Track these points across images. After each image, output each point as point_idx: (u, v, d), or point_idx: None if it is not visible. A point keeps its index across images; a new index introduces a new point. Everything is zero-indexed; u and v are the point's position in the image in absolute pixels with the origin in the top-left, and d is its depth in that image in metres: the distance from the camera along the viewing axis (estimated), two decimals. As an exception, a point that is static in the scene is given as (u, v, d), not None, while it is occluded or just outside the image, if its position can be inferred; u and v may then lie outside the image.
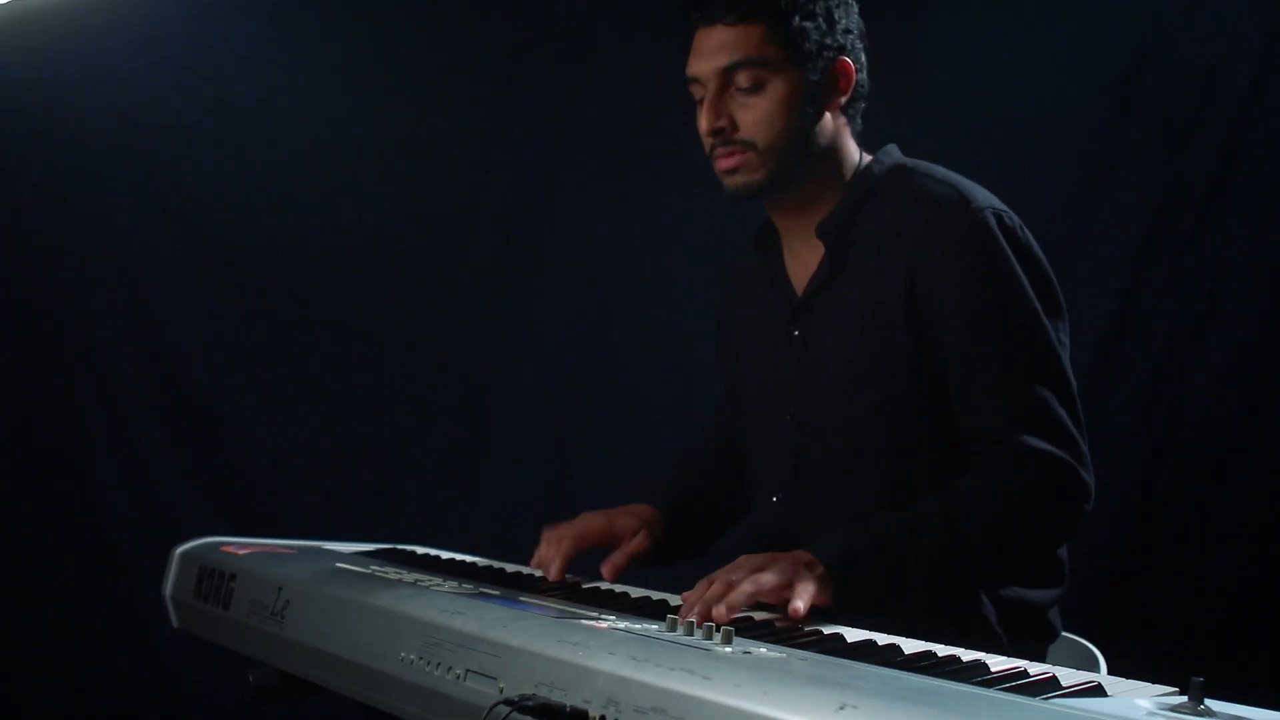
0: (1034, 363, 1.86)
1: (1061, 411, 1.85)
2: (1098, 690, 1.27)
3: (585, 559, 2.05)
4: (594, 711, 1.31)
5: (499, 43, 3.81)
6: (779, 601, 1.67)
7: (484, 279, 3.81)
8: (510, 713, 1.37)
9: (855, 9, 2.02)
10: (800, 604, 1.64)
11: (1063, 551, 1.99)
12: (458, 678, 1.51)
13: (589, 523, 2.08)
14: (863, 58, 2.03)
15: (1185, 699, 1.19)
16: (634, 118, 3.61)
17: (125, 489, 3.87)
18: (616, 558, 2.04)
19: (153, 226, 3.88)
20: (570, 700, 1.33)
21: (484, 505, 3.68)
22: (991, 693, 1.23)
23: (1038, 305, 1.88)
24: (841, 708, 1.12)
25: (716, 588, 1.66)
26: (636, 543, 2.07)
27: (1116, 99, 3.11)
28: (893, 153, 2.08)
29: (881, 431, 1.95)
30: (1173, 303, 3.06)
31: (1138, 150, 3.10)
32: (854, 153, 2.05)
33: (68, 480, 3.89)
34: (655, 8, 3.37)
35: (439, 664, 1.55)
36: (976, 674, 1.34)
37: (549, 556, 2.01)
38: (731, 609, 1.63)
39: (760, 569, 1.69)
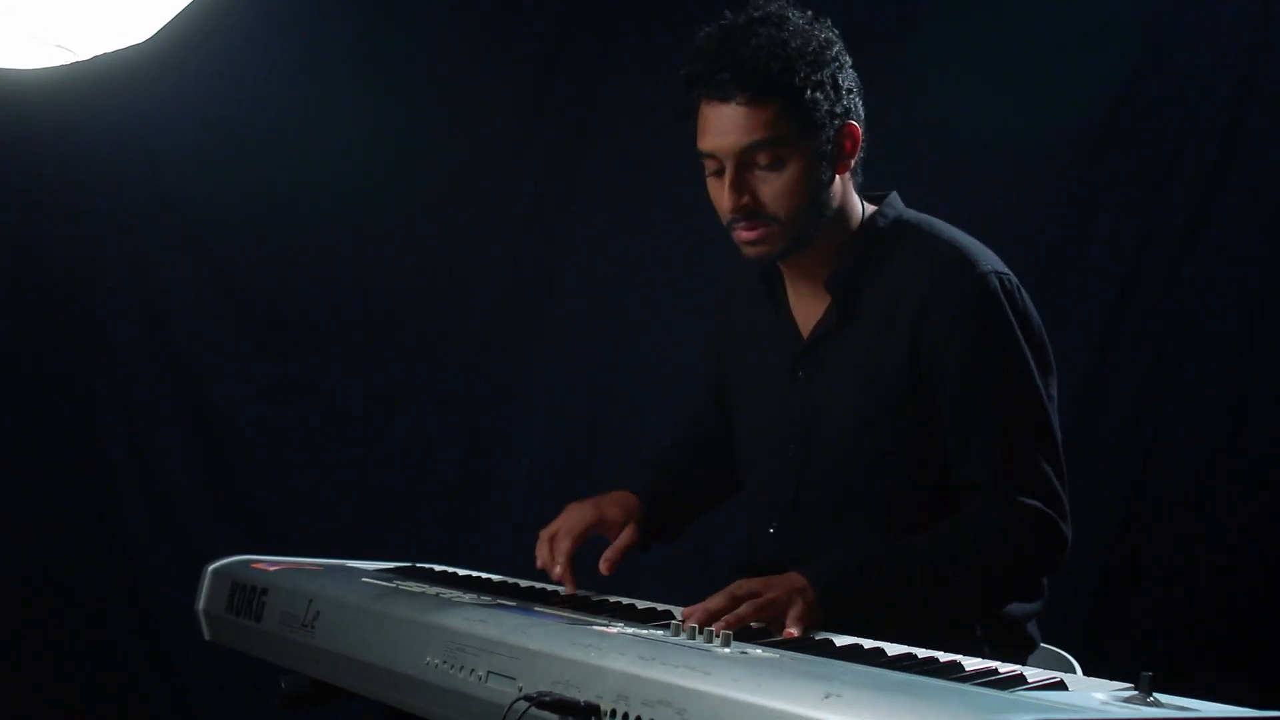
0: (1026, 421, 1.99)
1: (1048, 468, 1.98)
2: (1059, 685, 1.41)
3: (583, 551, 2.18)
4: (605, 706, 1.43)
5: (513, 76, 3.96)
6: (772, 622, 1.80)
7: (497, 307, 3.95)
8: (529, 708, 1.50)
9: (849, 63, 2.09)
10: (795, 631, 1.78)
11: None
12: (480, 679, 1.64)
13: (581, 517, 2.19)
14: (862, 113, 2.10)
15: (1136, 691, 1.34)
16: (646, 147, 3.73)
17: (148, 512, 4.04)
18: (611, 554, 2.16)
19: (175, 263, 4.07)
20: (584, 696, 1.46)
21: (495, 525, 3.81)
22: (965, 686, 1.37)
23: (1033, 365, 2.01)
24: (827, 696, 1.26)
25: (719, 599, 1.79)
26: (626, 535, 2.19)
27: (1100, 137, 3.25)
28: (895, 204, 2.16)
29: (878, 474, 2.07)
30: (1154, 334, 3.19)
31: (1121, 186, 3.24)
32: (857, 205, 2.13)
33: (92, 504, 4.06)
34: (667, 48, 3.57)
35: (462, 667, 1.68)
36: (952, 671, 1.47)
37: (551, 559, 2.15)
38: (730, 625, 1.74)
39: (757, 592, 1.82)
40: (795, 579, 1.85)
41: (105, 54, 1.63)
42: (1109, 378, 3.21)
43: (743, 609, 1.78)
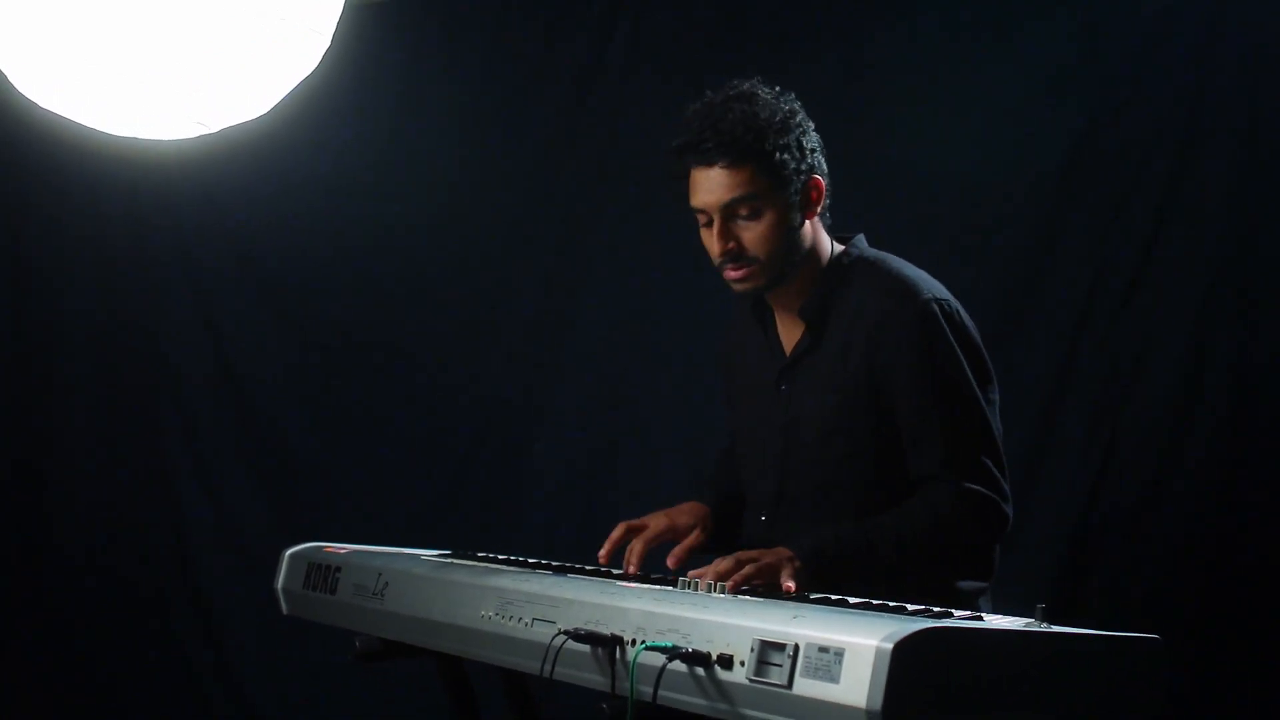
0: (966, 421, 2.36)
1: (987, 460, 2.34)
2: (978, 619, 1.82)
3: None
4: (627, 636, 1.83)
5: (539, 123, 4.35)
6: (769, 580, 2.16)
7: (528, 326, 4.32)
8: (567, 640, 1.90)
9: (812, 127, 2.44)
10: (791, 583, 2.15)
11: (996, 553, 2.49)
12: (526, 625, 2.03)
13: (657, 523, 2.50)
14: (825, 168, 2.46)
15: (1033, 620, 1.75)
16: (657, 205, 4.10)
17: (206, 509, 4.46)
18: (678, 551, 2.47)
19: (232, 288, 4.49)
20: (610, 629, 1.86)
21: (525, 525, 4.18)
22: (902, 616, 1.78)
23: (970, 375, 2.38)
24: (795, 616, 1.67)
25: (725, 563, 2.16)
26: (693, 538, 2.52)
27: (1059, 180, 3.59)
28: (860, 244, 2.53)
29: (846, 469, 2.44)
30: (1107, 358, 3.54)
31: (1078, 223, 3.58)
32: (827, 244, 2.50)
33: (155, 504, 4.48)
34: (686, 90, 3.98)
35: (511, 616, 2.06)
36: (897, 611, 1.88)
37: (619, 540, 2.44)
38: (736, 583, 2.12)
39: (755, 558, 2.19)
40: (783, 550, 2.23)
41: (231, 127, 2.06)
42: (1070, 391, 3.55)
43: (746, 568, 2.15)
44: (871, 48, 3.85)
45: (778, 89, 2.45)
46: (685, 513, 2.57)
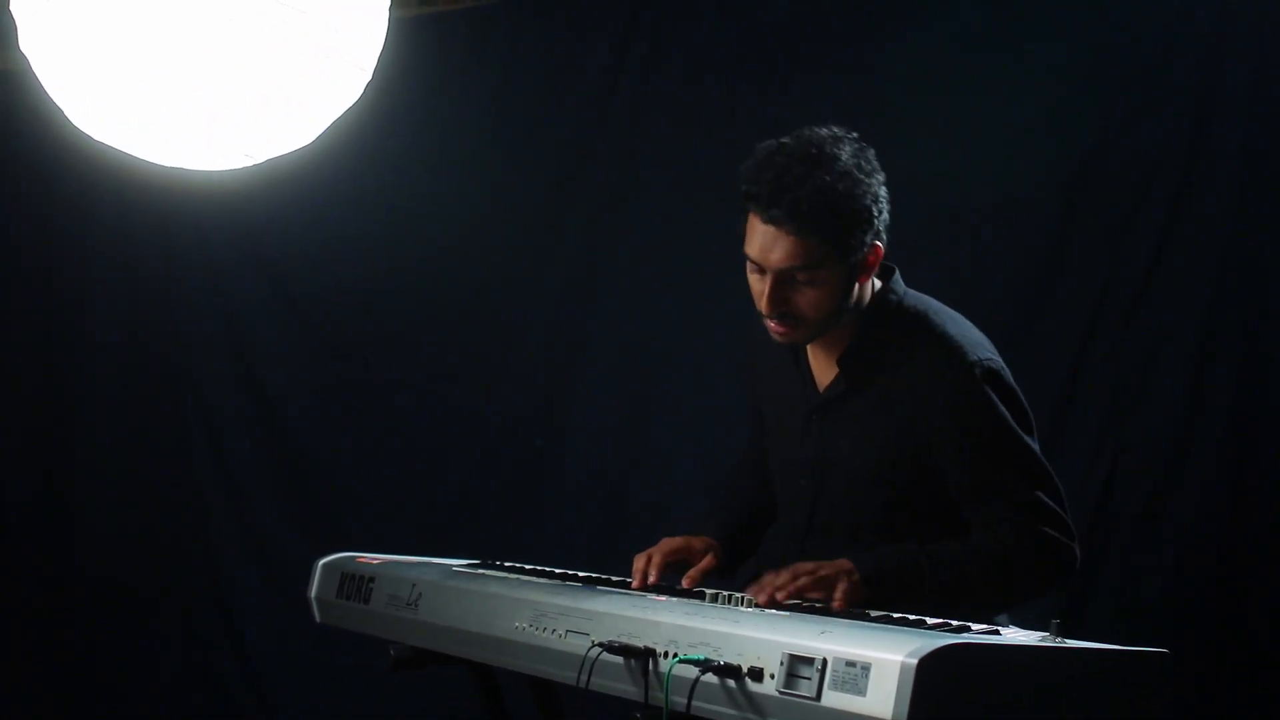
0: (1029, 473, 2.36)
1: (1051, 503, 2.34)
2: (995, 632, 1.91)
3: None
4: (660, 648, 1.92)
5: (554, 144, 4.44)
6: (824, 595, 2.20)
7: (544, 342, 4.40)
8: (601, 653, 1.99)
9: (882, 180, 2.34)
10: (841, 603, 2.17)
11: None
12: (560, 636, 2.11)
13: (671, 544, 2.51)
14: (887, 219, 2.37)
15: (1048, 634, 1.84)
16: (676, 214, 4.20)
17: (233, 520, 4.59)
18: (693, 573, 2.45)
19: (257, 302, 4.60)
20: (643, 642, 1.94)
21: (544, 532, 4.27)
22: (924, 631, 1.86)
23: (1020, 431, 2.36)
24: (823, 632, 1.76)
25: (783, 576, 2.20)
26: (708, 561, 2.53)
27: (1066, 200, 3.66)
28: (899, 286, 2.47)
29: (877, 515, 2.45)
30: (1113, 371, 3.62)
31: (1083, 241, 3.64)
32: (869, 290, 2.44)
33: (183, 517, 4.59)
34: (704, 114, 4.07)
35: (545, 628, 2.15)
36: (917, 625, 1.96)
37: (644, 568, 2.46)
38: (788, 593, 2.16)
39: (813, 571, 2.21)
40: (844, 563, 2.23)
41: (275, 157, 2.15)
42: (1076, 403, 3.62)
43: (801, 580, 2.18)
44: (882, 63, 3.91)
45: (856, 141, 2.36)
46: (699, 538, 2.61)
